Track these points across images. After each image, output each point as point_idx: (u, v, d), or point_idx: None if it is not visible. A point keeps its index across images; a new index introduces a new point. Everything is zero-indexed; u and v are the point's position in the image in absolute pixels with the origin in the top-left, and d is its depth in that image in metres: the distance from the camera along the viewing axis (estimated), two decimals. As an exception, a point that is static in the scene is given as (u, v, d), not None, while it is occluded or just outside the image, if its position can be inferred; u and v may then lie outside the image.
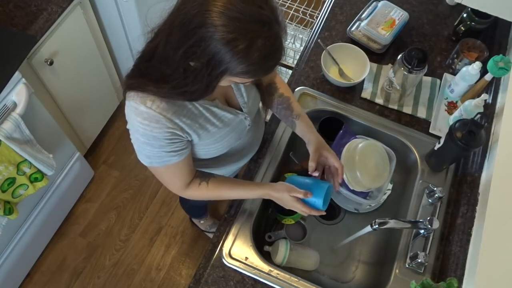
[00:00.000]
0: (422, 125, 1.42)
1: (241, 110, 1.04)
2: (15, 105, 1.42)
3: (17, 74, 1.40)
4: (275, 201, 1.10)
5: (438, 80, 1.50)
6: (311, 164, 1.11)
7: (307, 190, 1.05)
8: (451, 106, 1.46)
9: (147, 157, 0.95)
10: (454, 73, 1.51)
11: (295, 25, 2.19)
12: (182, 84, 0.80)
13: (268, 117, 1.37)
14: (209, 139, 1.00)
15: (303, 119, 1.19)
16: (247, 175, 1.29)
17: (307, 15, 2.12)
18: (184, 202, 1.91)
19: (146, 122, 0.87)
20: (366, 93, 1.46)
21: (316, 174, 1.12)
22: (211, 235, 2.08)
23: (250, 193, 1.11)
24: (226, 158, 1.14)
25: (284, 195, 1.06)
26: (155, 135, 0.89)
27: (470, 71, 1.37)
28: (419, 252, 1.16)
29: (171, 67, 0.80)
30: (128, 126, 0.93)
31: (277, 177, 1.34)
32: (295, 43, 2.24)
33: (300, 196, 1.05)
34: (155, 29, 0.84)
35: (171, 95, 0.85)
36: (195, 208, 1.95)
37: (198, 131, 0.95)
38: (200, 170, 1.11)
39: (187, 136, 0.95)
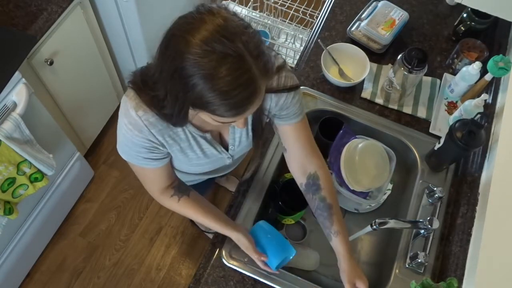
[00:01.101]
0: (422, 125, 1.42)
1: (226, 151, 1.05)
2: (15, 105, 1.42)
3: (17, 74, 1.39)
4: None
5: (438, 80, 1.50)
6: None
7: (269, 245, 1.06)
8: (451, 106, 1.46)
9: (125, 153, 0.96)
10: (454, 73, 1.51)
11: (295, 25, 2.20)
12: (162, 105, 0.80)
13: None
14: (186, 162, 1.01)
15: (341, 238, 1.06)
16: (247, 174, 1.29)
17: (307, 15, 2.12)
18: None
19: (130, 127, 0.89)
20: (366, 93, 1.46)
21: None
22: (211, 235, 2.07)
23: (216, 228, 1.09)
24: (198, 174, 1.15)
25: (240, 245, 1.08)
26: (135, 141, 0.90)
27: (470, 71, 1.37)
28: (419, 252, 1.16)
29: (161, 84, 0.79)
30: (118, 118, 0.94)
31: (277, 177, 1.34)
32: (295, 43, 2.24)
33: (254, 258, 1.07)
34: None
35: (158, 115, 0.86)
36: None
37: (176, 153, 0.97)
38: (180, 180, 1.10)
39: (168, 151, 0.96)
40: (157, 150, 0.94)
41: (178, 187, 1.06)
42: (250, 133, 1.05)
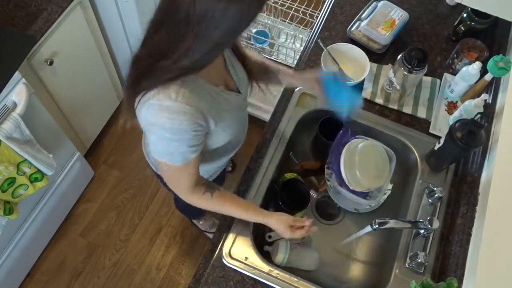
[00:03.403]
0: (422, 125, 1.42)
1: (239, 92, 1.08)
2: (15, 105, 1.42)
3: (17, 74, 1.40)
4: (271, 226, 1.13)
5: (438, 80, 1.50)
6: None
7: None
8: (451, 106, 1.46)
9: (169, 154, 0.94)
10: (454, 73, 1.51)
11: (295, 25, 2.19)
12: (190, 46, 0.79)
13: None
14: (222, 123, 1.01)
15: (283, 71, 1.23)
16: (247, 174, 1.29)
17: (307, 15, 2.11)
18: (178, 202, 1.90)
19: (174, 116, 0.87)
20: (366, 93, 1.46)
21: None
22: (211, 235, 2.08)
23: (251, 218, 1.14)
24: (227, 146, 1.15)
25: (281, 227, 1.10)
26: (183, 127, 0.89)
27: (470, 71, 1.37)
28: (419, 252, 1.16)
29: (180, 33, 0.78)
30: (145, 128, 0.93)
31: (277, 177, 1.34)
32: (295, 43, 2.24)
33: (306, 223, 1.11)
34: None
35: (190, 68, 0.84)
36: (189, 207, 1.93)
37: (215, 117, 0.97)
38: (203, 177, 1.12)
39: (207, 124, 0.96)
40: (200, 130, 0.94)
41: (208, 185, 1.08)
42: (239, 63, 1.09)
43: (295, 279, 1.15)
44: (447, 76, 1.51)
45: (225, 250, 1.18)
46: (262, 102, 2.21)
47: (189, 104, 0.88)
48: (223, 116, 1.00)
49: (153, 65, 0.85)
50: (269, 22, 2.24)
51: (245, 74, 1.11)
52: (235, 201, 1.13)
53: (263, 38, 2.10)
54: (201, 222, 2.08)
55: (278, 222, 1.11)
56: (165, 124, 0.88)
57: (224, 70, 1.04)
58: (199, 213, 2.01)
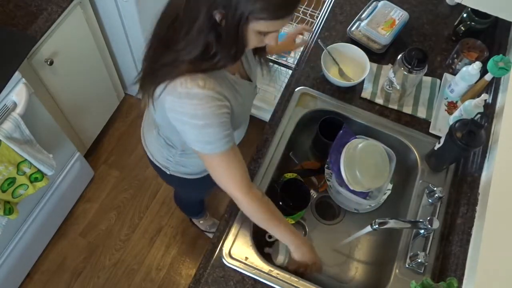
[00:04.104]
0: (422, 125, 1.42)
1: (250, 80, 1.11)
2: (15, 105, 1.42)
3: (17, 74, 1.40)
4: (292, 250, 1.12)
5: (438, 80, 1.50)
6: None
7: None
8: (451, 106, 1.46)
9: (209, 143, 0.94)
10: (454, 73, 1.51)
11: (295, 25, 2.19)
12: (219, 47, 0.85)
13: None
14: (238, 109, 1.03)
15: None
16: (247, 175, 1.29)
17: (307, 15, 2.11)
18: (178, 200, 1.90)
19: (203, 102, 0.89)
20: (366, 93, 1.46)
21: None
22: (211, 235, 2.08)
23: (286, 234, 1.09)
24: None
25: (302, 254, 1.11)
26: (213, 110, 0.90)
27: (470, 71, 1.37)
28: (419, 252, 1.16)
29: (199, 28, 0.83)
30: (176, 118, 0.93)
31: (277, 177, 1.34)
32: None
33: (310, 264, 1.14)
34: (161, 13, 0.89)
35: (215, 64, 0.89)
36: (190, 205, 1.94)
37: (233, 101, 0.98)
38: (199, 177, 1.18)
39: (230, 109, 0.97)
40: (227, 113, 0.95)
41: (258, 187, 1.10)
42: (251, 52, 1.11)
43: (295, 279, 1.15)
44: (447, 76, 1.51)
45: (225, 250, 1.18)
46: (262, 102, 2.21)
47: (216, 91, 0.90)
48: (238, 102, 1.02)
49: (175, 60, 0.88)
50: (269, 22, 2.24)
51: (255, 62, 1.13)
52: (276, 209, 1.09)
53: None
54: (201, 222, 2.08)
55: (299, 246, 1.10)
56: (196, 111, 0.89)
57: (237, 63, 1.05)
58: (199, 212, 2.01)
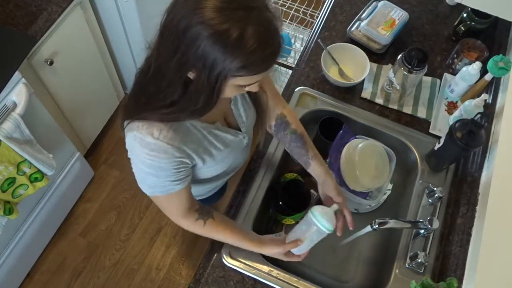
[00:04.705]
0: (422, 125, 1.42)
1: (240, 130, 1.05)
2: (15, 105, 1.42)
3: (17, 74, 1.40)
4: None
5: (438, 80, 1.50)
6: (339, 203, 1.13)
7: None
8: (451, 106, 1.46)
9: (150, 187, 0.94)
10: (454, 73, 1.51)
11: (295, 25, 2.19)
12: (188, 102, 0.79)
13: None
14: (213, 161, 1.00)
15: (318, 160, 1.16)
16: (247, 174, 1.29)
17: (307, 15, 2.12)
18: None
19: (154, 153, 0.85)
20: (366, 93, 1.46)
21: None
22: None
23: (245, 247, 1.10)
24: (221, 174, 1.13)
25: (275, 256, 1.11)
26: (163, 165, 0.88)
27: (470, 71, 1.37)
28: (419, 252, 1.16)
29: (169, 83, 0.78)
30: (130, 156, 0.92)
31: (277, 177, 1.34)
32: (295, 43, 2.24)
33: (294, 247, 1.08)
34: (151, 45, 0.82)
35: (179, 117, 0.84)
36: None
37: (202, 155, 0.95)
38: (199, 199, 1.10)
39: (193, 162, 0.94)
40: (183, 167, 0.92)
41: (201, 211, 1.04)
42: (248, 99, 1.05)
43: (295, 279, 1.15)
44: (447, 76, 1.51)
45: (225, 250, 1.18)
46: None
47: (171, 144, 0.86)
48: (213, 155, 0.98)
49: (145, 104, 0.84)
50: (269, 22, 2.24)
51: (253, 112, 1.08)
52: (229, 230, 1.07)
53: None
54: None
55: (271, 254, 1.10)
56: (145, 160, 0.87)
57: (228, 105, 1.01)
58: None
